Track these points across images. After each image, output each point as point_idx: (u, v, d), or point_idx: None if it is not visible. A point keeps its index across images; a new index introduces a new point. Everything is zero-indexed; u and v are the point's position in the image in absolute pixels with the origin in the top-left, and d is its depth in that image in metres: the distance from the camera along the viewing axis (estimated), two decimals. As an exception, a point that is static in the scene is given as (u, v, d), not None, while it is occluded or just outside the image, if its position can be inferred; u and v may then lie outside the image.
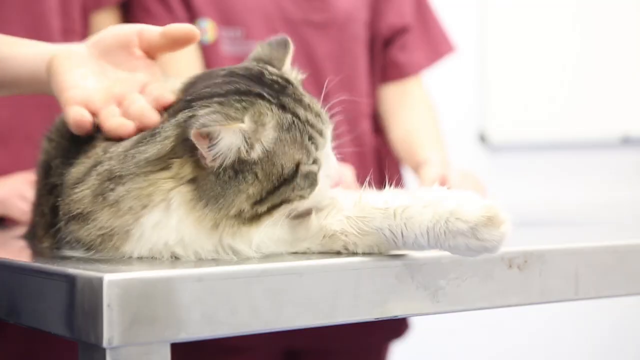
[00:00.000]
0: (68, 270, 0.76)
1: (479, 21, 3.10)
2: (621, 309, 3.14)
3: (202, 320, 0.74)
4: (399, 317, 0.87)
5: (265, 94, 0.85)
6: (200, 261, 0.83)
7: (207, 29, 1.66)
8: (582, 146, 3.23)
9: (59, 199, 0.90)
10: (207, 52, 1.65)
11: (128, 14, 1.66)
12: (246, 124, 0.82)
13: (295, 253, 0.88)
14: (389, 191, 0.87)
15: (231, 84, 0.87)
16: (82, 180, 0.88)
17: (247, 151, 0.82)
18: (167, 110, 0.90)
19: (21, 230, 1.17)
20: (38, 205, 1.02)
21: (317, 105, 0.89)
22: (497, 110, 3.13)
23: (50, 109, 1.07)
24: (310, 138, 0.86)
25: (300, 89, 0.90)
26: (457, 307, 0.89)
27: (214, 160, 0.82)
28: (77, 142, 0.93)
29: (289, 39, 0.96)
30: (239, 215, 0.83)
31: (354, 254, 0.85)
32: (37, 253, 0.96)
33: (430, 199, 0.82)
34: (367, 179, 0.89)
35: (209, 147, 0.81)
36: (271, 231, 0.85)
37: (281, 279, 0.78)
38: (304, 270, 0.80)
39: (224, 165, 0.82)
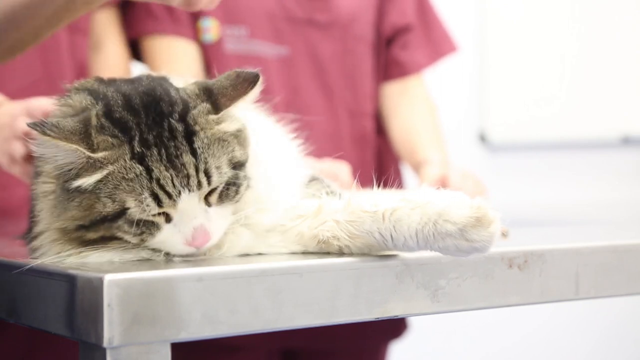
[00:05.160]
0: (68, 270, 0.76)
1: (478, 21, 3.10)
2: (621, 308, 3.13)
3: (202, 320, 0.74)
4: (399, 317, 0.87)
5: (136, 141, 0.81)
6: (201, 260, 0.82)
7: (210, 27, 1.65)
8: (582, 146, 3.23)
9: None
10: (211, 50, 1.65)
11: (128, 13, 1.65)
12: (98, 155, 0.80)
13: (294, 253, 0.88)
14: (378, 192, 0.87)
15: (131, 109, 0.83)
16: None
17: (78, 175, 0.81)
18: None
19: (21, 230, 1.17)
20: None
21: (192, 170, 0.81)
22: (497, 110, 3.13)
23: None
24: (153, 195, 0.80)
25: (200, 144, 0.82)
26: (457, 307, 0.89)
27: (40, 162, 0.84)
28: None
29: (260, 76, 0.86)
30: (64, 231, 0.83)
31: (353, 254, 0.85)
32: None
33: (418, 201, 0.82)
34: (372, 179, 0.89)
35: (34, 143, 0.82)
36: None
37: (281, 279, 0.78)
38: (304, 270, 0.80)
39: (57, 174, 0.83)
